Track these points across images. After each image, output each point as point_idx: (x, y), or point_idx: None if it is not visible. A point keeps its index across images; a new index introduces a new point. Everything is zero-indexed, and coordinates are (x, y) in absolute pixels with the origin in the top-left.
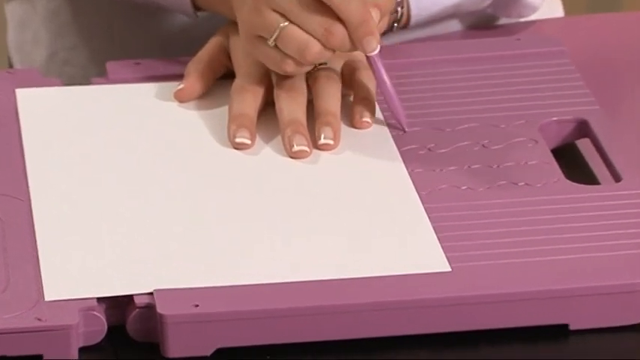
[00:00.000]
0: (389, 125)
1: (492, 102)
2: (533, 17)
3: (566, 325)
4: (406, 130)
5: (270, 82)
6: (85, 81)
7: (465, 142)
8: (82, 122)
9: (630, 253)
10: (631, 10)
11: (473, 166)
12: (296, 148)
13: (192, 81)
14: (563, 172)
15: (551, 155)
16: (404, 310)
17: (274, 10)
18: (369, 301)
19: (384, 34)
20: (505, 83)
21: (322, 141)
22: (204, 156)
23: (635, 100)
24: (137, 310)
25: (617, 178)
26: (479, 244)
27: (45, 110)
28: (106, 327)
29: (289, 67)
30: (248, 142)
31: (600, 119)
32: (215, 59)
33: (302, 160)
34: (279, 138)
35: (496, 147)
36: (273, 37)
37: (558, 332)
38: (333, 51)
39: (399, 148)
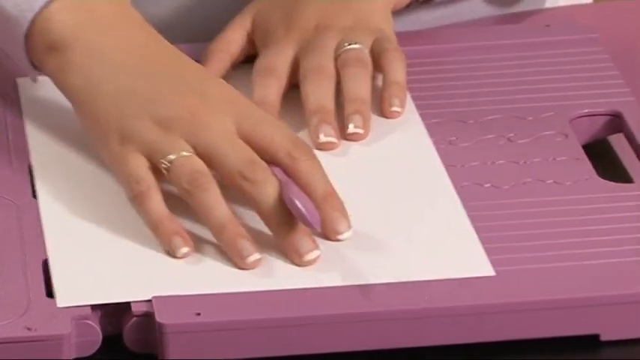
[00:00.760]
0: (421, 115)
1: (519, 92)
2: (563, 3)
3: (596, 336)
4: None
5: (296, 63)
6: None
7: (489, 136)
8: None
9: None
10: None
11: (497, 162)
12: (323, 139)
13: (209, 66)
14: (595, 169)
15: (582, 151)
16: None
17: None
18: (388, 309)
19: (408, 5)
20: (533, 72)
21: (351, 130)
22: None
23: None
24: (134, 318)
25: None
26: (499, 248)
27: (46, 99)
28: (100, 337)
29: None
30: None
31: (635, 112)
32: (234, 43)
33: (328, 152)
34: (300, 125)
35: (522, 141)
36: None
37: (588, 343)
38: None
39: None
